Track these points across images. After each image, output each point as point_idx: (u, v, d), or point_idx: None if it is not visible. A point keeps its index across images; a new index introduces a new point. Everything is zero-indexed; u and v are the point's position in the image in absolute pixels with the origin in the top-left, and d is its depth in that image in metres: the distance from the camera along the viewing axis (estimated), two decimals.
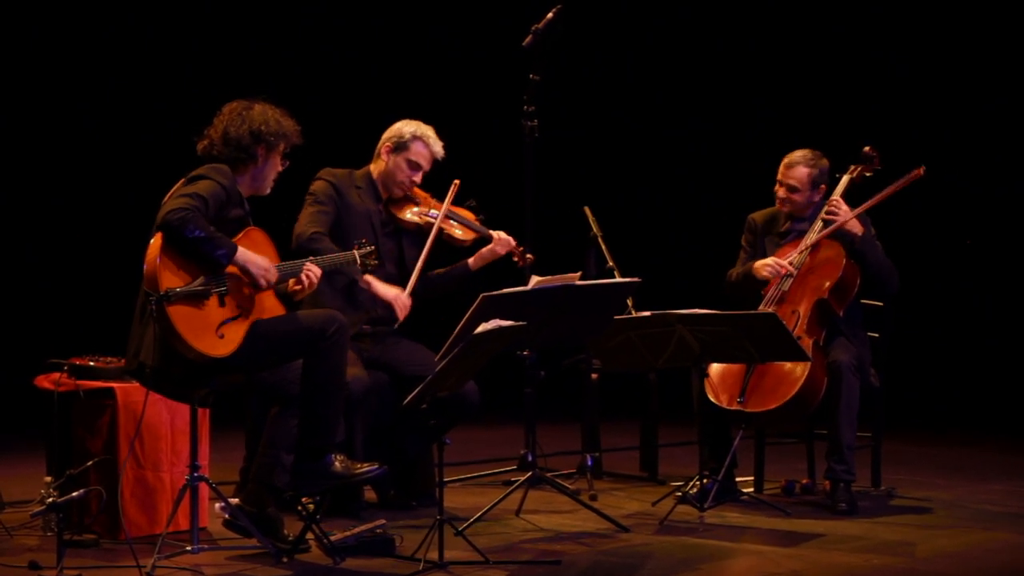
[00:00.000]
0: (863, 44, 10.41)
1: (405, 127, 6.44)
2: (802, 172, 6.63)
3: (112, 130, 9.72)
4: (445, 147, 6.49)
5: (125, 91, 9.70)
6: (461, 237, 6.46)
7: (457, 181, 6.45)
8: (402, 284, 6.32)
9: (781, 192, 6.69)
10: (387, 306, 6.24)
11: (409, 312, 6.25)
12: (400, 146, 6.42)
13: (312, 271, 5.50)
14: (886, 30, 10.37)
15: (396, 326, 6.30)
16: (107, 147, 9.74)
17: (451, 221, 6.45)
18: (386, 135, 6.48)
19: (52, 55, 9.61)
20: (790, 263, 6.53)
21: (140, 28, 9.71)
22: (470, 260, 6.53)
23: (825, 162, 6.68)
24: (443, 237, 6.44)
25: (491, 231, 6.49)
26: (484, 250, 6.50)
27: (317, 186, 6.38)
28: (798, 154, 6.67)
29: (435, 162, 6.48)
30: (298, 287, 5.52)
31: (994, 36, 10.14)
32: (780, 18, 10.53)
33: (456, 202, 6.47)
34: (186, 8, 9.82)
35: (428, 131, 6.45)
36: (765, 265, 6.58)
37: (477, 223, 6.50)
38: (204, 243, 5.13)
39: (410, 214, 6.45)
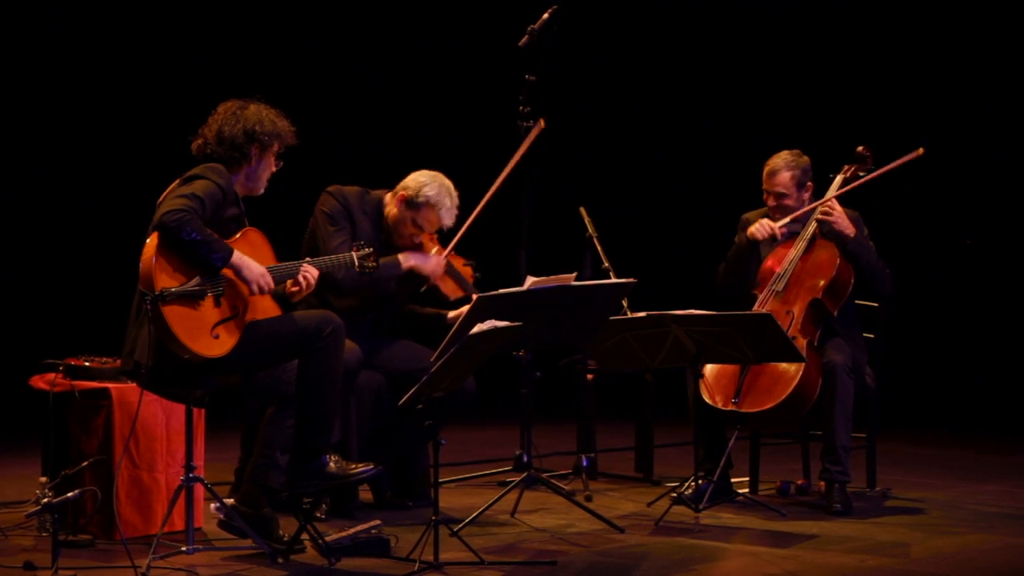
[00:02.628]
0: (860, 44, 10.42)
1: (427, 188, 6.23)
2: (785, 177, 6.63)
3: (108, 130, 9.72)
4: (458, 193, 6.30)
5: (121, 91, 9.70)
6: (448, 294, 6.38)
7: (542, 122, 6.45)
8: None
9: (771, 201, 6.69)
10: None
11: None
12: (411, 203, 6.24)
13: (309, 272, 5.50)
14: (883, 30, 10.39)
15: (424, 289, 6.32)
16: (103, 147, 9.73)
17: (447, 277, 6.36)
18: (408, 180, 6.29)
19: (50, 55, 9.61)
20: (781, 269, 6.54)
21: (138, 28, 9.70)
22: (449, 314, 6.39)
23: (805, 160, 6.67)
24: (430, 283, 6.35)
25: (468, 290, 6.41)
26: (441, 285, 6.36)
27: (331, 206, 6.26)
28: (778, 160, 6.65)
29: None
30: (295, 288, 5.52)
31: (993, 35, 10.16)
32: (779, 18, 10.55)
33: (456, 249, 6.37)
34: (184, 8, 9.82)
35: (445, 199, 6.23)
36: (758, 227, 6.56)
37: (470, 283, 6.40)
38: (200, 246, 5.13)
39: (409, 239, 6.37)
